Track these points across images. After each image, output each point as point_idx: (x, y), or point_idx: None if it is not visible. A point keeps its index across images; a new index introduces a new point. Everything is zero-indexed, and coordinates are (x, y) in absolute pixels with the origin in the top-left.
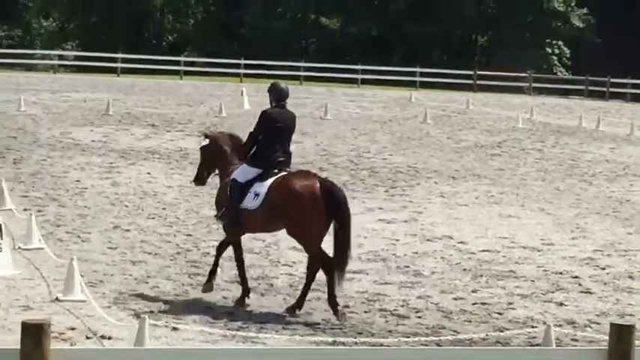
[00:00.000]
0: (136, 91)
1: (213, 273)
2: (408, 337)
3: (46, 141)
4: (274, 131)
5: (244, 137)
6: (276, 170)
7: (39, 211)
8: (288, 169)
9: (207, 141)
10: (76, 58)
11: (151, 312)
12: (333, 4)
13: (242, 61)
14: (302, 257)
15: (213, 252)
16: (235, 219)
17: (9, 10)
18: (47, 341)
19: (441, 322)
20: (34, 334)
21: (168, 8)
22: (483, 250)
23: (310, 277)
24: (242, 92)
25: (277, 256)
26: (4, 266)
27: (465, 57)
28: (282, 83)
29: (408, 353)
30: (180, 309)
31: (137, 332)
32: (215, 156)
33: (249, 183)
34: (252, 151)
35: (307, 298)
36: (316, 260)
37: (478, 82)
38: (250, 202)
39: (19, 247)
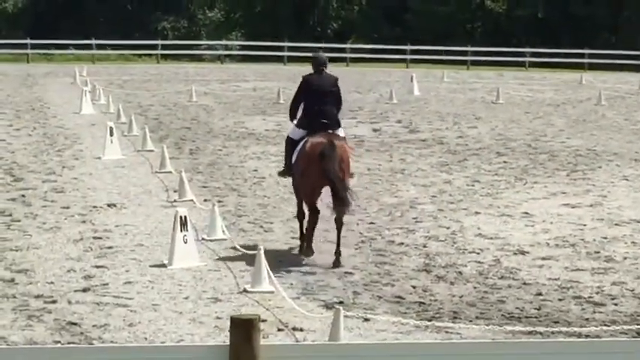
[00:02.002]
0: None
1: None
2: (608, 326)
3: (220, 131)
4: (312, 94)
5: None
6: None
7: (219, 201)
8: (330, 131)
9: None
10: (242, 47)
11: (341, 302)
12: None
13: (408, 47)
14: (489, 244)
15: (399, 240)
16: (288, 172)
17: (175, 1)
18: (257, 337)
19: (638, 310)
20: (244, 329)
21: None
22: None
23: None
24: (412, 78)
25: (463, 244)
26: (191, 258)
27: (633, 38)
28: (321, 53)
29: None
30: (369, 299)
31: (332, 324)
32: None
33: (299, 140)
34: (298, 115)
35: (498, 286)
36: (311, 212)
37: None
38: (295, 158)
39: (203, 239)
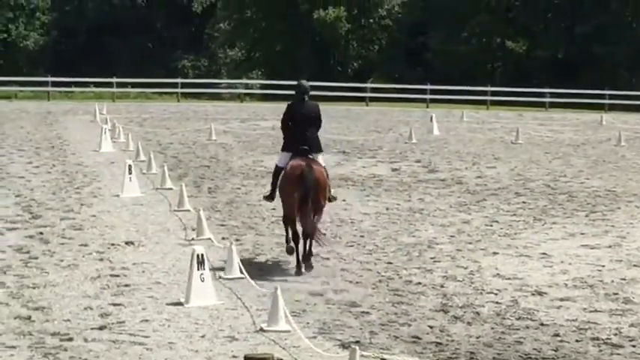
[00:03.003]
0: (324, 118)
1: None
2: None
3: (238, 169)
4: (296, 120)
5: None
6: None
7: (237, 239)
8: (311, 155)
9: None
10: (262, 86)
11: (357, 342)
12: (518, 27)
13: (428, 87)
14: (506, 285)
15: (416, 280)
16: (272, 197)
17: (195, 40)
18: None
19: None
20: None
21: (352, 35)
22: None
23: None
24: (431, 118)
25: (481, 284)
26: (207, 296)
27: None
28: (304, 81)
29: None
30: (386, 339)
31: None
32: None
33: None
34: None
35: (515, 327)
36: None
37: None
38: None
39: (220, 277)
